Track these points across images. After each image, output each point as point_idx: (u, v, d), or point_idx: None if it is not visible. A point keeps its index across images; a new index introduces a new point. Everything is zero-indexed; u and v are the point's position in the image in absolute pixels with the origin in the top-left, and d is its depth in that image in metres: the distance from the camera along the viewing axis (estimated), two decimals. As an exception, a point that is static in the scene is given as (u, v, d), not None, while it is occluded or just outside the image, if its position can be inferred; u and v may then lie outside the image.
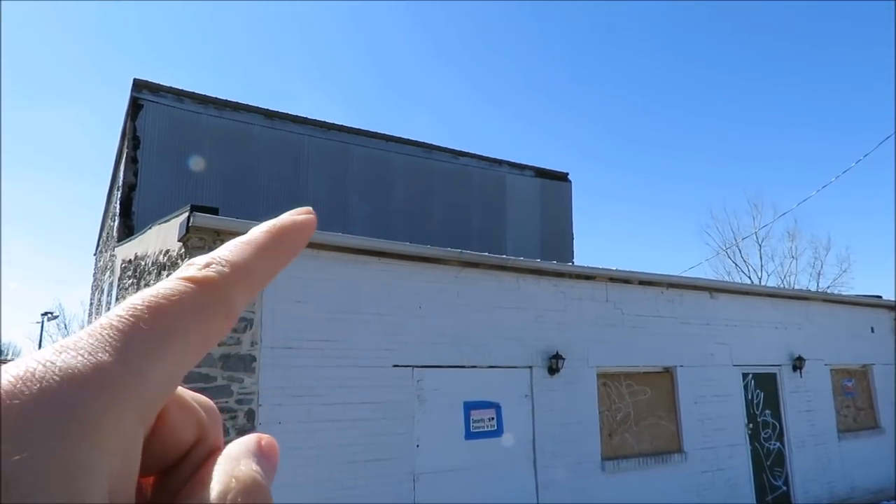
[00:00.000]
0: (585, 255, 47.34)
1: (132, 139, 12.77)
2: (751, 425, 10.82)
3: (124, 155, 13.19)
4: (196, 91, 13.70)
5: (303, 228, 0.37)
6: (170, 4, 54.02)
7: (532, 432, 8.29)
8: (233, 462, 0.29)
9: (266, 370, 6.49)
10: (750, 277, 32.30)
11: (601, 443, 8.90)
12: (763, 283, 30.47)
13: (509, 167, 18.02)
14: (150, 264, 8.83)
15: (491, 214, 17.26)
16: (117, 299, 12.31)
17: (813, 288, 29.93)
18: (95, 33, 58.58)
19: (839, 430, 12.23)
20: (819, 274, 32.04)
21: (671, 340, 10.03)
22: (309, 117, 15.06)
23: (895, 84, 35.84)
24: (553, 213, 18.47)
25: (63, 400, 0.24)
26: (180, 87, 13.52)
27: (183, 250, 6.74)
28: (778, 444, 11.19)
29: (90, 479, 0.23)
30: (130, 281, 10.72)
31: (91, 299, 21.41)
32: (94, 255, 21.45)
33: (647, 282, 9.94)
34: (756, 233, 30.69)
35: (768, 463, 10.93)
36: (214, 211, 6.63)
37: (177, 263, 6.95)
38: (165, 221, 8.01)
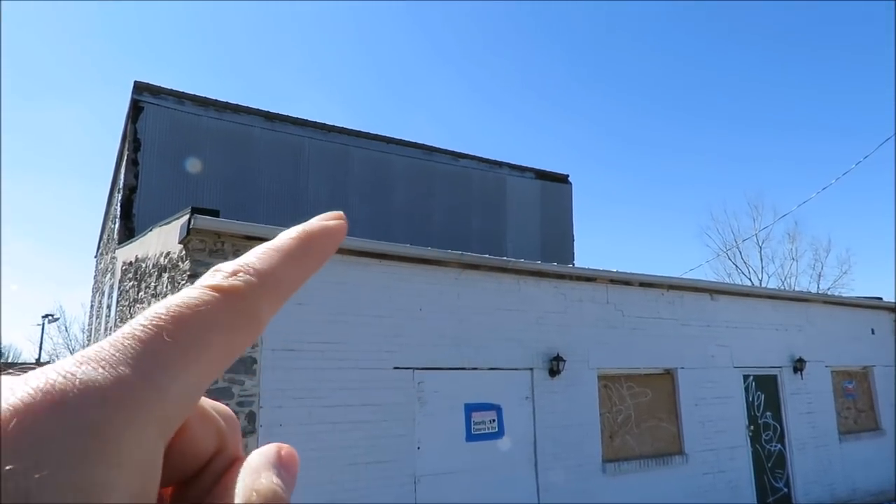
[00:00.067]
0: (586, 256, 47.35)
1: (133, 141, 12.79)
2: (752, 427, 10.80)
3: (125, 157, 13.21)
4: (196, 93, 13.73)
5: (333, 234, 0.36)
6: (170, 6, 54.08)
7: (533, 434, 8.28)
8: (253, 475, 0.29)
9: (267, 372, 6.49)
10: (750, 279, 32.29)
11: (602, 445, 8.89)
12: (763, 285, 30.46)
13: (509, 169, 18.03)
14: (150, 266, 8.84)
15: (491, 216, 17.26)
16: (118, 301, 12.32)
17: (813, 290, 29.91)
18: (96, 35, 58.63)
19: (840, 431, 12.22)
20: (819, 276, 32.02)
21: (672, 342, 10.02)
22: (309, 119, 15.08)
23: (895, 86, 35.85)
24: (553, 214, 18.47)
25: (84, 416, 0.23)
26: (181, 90, 13.55)
27: (184, 252, 6.74)
28: (779, 445, 11.18)
29: (110, 498, 0.23)
30: (131, 283, 10.72)
31: (92, 301, 21.42)
32: (95, 257, 21.46)
33: (647, 283, 9.94)
34: (756, 234, 30.69)
35: (769, 465, 10.92)
36: (215, 213, 6.63)
37: (177, 265, 6.95)
38: (166, 224, 8.02)
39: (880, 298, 14.25)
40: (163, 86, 13.27)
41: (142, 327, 0.27)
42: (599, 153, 55.16)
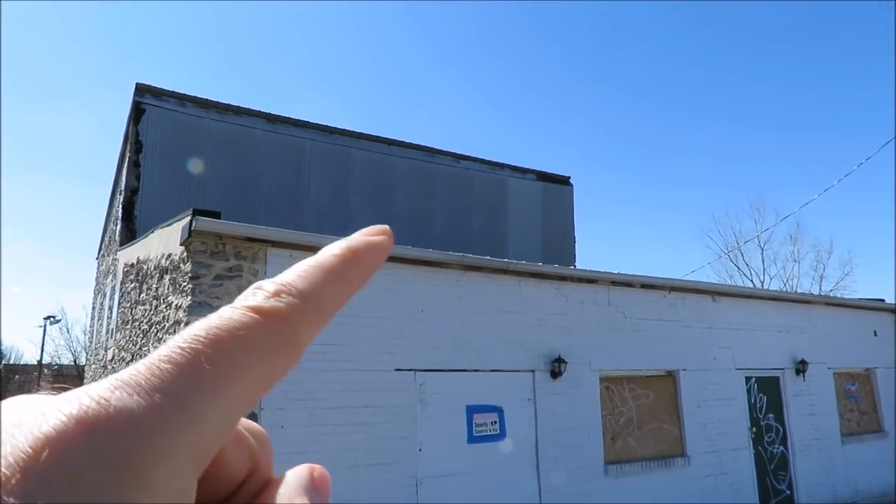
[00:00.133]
0: (587, 258, 47.33)
1: (134, 143, 12.81)
2: (754, 429, 10.78)
3: (127, 159, 13.23)
4: (198, 95, 13.75)
5: (378, 250, 0.34)
6: (172, 8, 54.21)
7: (535, 436, 8.27)
8: (286, 499, 0.28)
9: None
10: (752, 281, 32.24)
11: (604, 447, 8.87)
12: (765, 287, 30.42)
13: (511, 171, 18.03)
14: (152, 268, 8.84)
15: (492, 218, 17.26)
16: (119, 303, 12.32)
17: (815, 291, 29.86)
18: (98, 36, 58.78)
19: (843, 433, 12.19)
20: (821, 277, 31.98)
21: (673, 344, 10.01)
22: (311, 121, 15.09)
23: (895, 87, 35.81)
24: (555, 216, 18.46)
25: (117, 447, 0.22)
26: (182, 92, 13.57)
27: (185, 254, 6.74)
28: (781, 447, 11.16)
29: None
30: (133, 285, 10.73)
31: (93, 303, 21.43)
32: (97, 258, 21.48)
33: (649, 285, 9.93)
34: (758, 236, 30.67)
35: (772, 467, 10.89)
36: (217, 215, 6.63)
37: (179, 267, 6.96)
38: (168, 225, 8.02)
39: (882, 300, 14.23)
40: (164, 88, 13.30)
41: (179, 350, 0.26)
42: (601, 155, 55.19)
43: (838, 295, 25.81)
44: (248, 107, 14.31)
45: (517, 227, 17.59)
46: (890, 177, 40.17)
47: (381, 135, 16.02)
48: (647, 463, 9.23)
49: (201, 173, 13.25)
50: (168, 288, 7.43)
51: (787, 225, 35.59)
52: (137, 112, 12.92)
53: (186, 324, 6.18)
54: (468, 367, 7.92)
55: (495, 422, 7.99)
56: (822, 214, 48.92)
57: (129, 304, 10.95)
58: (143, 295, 9.43)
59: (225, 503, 0.30)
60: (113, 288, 14.08)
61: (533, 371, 8.45)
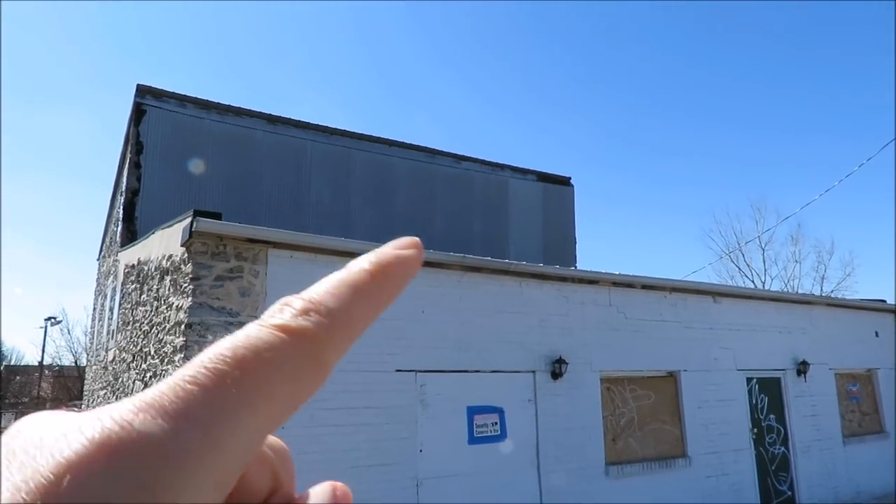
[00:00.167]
0: (588, 259, 47.29)
1: (135, 144, 12.82)
2: (755, 430, 10.77)
3: (127, 160, 13.24)
4: (199, 96, 13.75)
5: (409, 265, 0.33)
6: (173, 9, 54.24)
7: (535, 437, 8.26)
8: None
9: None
10: (753, 282, 32.23)
11: (605, 448, 8.87)
12: (766, 288, 30.40)
13: (511, 171, 18.02)
14: (153, 269, 8.85)
15: (493, 219, 17.25)
16: (120, 304, 12.33)
17: (816, 292, 29.84)
18: (98, 38, 58.83)
19: (844, 434, 12.17)
20: (823, 278, 31.97)
21: (674, 345, 10.00)
22: (311, 122, 15.10)
23: (895, 88, 35.80)
24: (555, 217, 18.46)
25: (140, 474, 0.22)
26: (183, 93, 13.58)
27: (186, 255, 6.74)
28: (783, 448, 11.14)
29: None
30: (133, 286, 10.74)
31: (94, 304, 21.44)
32: (98, 259, 21.49)
33: (650, 286, 9.92)
34: (759, 237, 30.66)
35: (773, 468, 10.88)
36: (217, 216, 6.63)
37: (180, 268, 6.95)
38: (168, 226, 8.03)
39: (884, 301, 14.22)
40: (165, 89, 13.31)
41: (204, 371, 0.25)
42: (601, 155, 55.19)
43: (839, 296, 25.79)
44: (248, 108, 14.32)
45: (518, 227, 17.59)
46: (891, 177, 40.13)
47: (381, 136, 16.03)
48: (648, 464, 9.22)
49: (202, 174, 13.25)
50: (169, 289, 7.43)
51: (789, 225, 35.61)
52: (138, 113, 12.93)
53: (187, 325, 6.19)
54: (469, 367, 7.91)
55: (496, 423, 7.99)
56: (823, 215, 48.91)
57: (129, 306, 10.96)
58: (143, 296, 9.43)
59: None
60: (114, 289, 14.09)
61: (534, 372, 8.44)
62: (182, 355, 6.18)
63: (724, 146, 50.47)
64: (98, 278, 20.66)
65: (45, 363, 38.84)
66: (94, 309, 21.14)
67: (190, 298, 6.28)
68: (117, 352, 11.86)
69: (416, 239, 0.34)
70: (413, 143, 16.53)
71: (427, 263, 7.85)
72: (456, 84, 59.48)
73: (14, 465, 0.22)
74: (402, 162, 16.11)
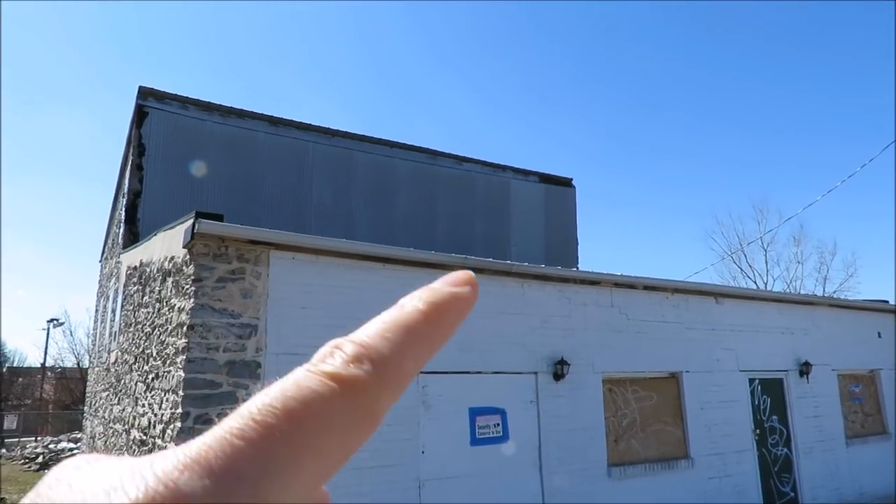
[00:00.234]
0: (590, 260, 47.26)
1: (137, 146, 12.84)
2: (758, 431, 10.75)
3: (129, 162, 13.26)
4: (201, 98, 13.78)
5: (464, 304, 0.32)
6: (174, 11, 54.34)
7: (538, 438, 8.25)
8: None
9: (271, 376, 6.39)
10: (755, 282, 32.19)
11: (607, 449, 8.86)
12: (769, 288, 30.37)
13: (513, 173, 18.02)
14: (155, 271, 8.86)
15: (495, 220, 17.25)
16: (122, 306, 12.34)
17: (819, 293, 29.79)
18: (100, 40, 58.95)
19: (847, 435, 12.15)
20: (825, 279, 31.95)
21: (677, 346, 9.99)
22: (313, 124, 15.11)
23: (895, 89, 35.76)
24: (557, 218, 18.45)
25: None
26: (185, 95, 13.60)
27: (188, 257, 6.75)
28: (785, 449, 11.12)
29: None
30: (136, 288, 10.75)
31: (96, 306, 21.47)
32: (100, 261, 21.52)
33: (652, 287, 9.91)
34: (761, 238, 30.63)
35: (776, 469, 10.86)
36: (219, 218, 6.64)
37: (182, 270, 6.96)
38: (170, 228, 8.03)
39: (886, 301, 14.19)
40: (167, 91, 13.33)
41: (253, 423, 0.24)
42: (603, 156, 55.15)
43: (842, 296, 25.75)
44: (250, 109, 14.34)
45: (520, 229, 17.58)
46: (892, 178, 40.08)
47: (382, 137, 16.04)
48: (651, 465, 9.21)
49: (204, 176, 13.27)
50: (171, 290, 7.44)
51: (791, 226, 35.56)
52: (140, 115, 12.95)
53: (189, 326, 6.19)
54: (471, 369, 7.91)
55: (498, 424, 7.98)
56: (825, 216, 48.87)
57: (132, 307, 10.97)
58: (145, 298, 9.44)
59: None
60: (116, 291, 14.10)
61: (536, 373, 8.44)
62: (184, 357, 6.18)
63: (725, 147, 50.45)
64: (100, 280, 20.68)
65: (47, 365, 38.91)
66: (97, 311, 21.16)
67: (192, 300, 6.28)
68: (119, 353, 11.88)
69: (470, 274, 0.33)
70: (414, 144, 16.55)
71: (428, 265, 7.86)
72: (457, 85, 59.53)
73: None
74: (403, 163, 16.12)
